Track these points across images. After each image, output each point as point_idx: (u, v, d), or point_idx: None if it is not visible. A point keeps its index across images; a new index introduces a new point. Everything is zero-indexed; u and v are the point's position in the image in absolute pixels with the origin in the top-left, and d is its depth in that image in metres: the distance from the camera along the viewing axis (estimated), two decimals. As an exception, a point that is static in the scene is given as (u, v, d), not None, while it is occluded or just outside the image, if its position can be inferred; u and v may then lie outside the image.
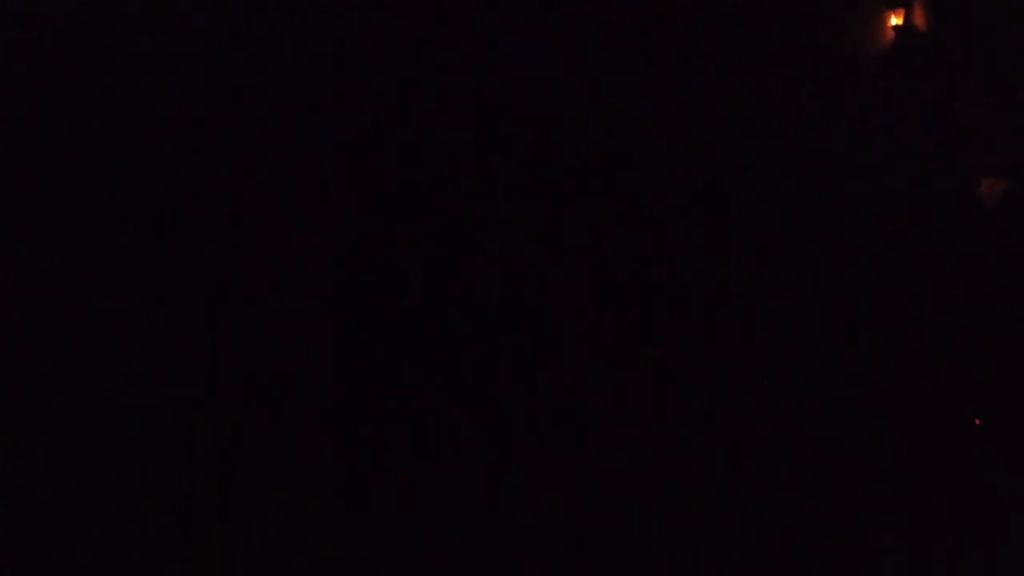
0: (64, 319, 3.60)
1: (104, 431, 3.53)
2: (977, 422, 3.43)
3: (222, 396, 3.74)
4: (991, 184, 3.54)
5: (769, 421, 3.84)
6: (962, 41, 3.85)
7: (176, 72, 3.87)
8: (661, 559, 3.67)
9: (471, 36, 4.21)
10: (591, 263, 4.47)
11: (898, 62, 3.95)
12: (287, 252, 4.06)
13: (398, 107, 4.32)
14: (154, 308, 3.79)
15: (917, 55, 3.84)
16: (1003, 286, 3.63)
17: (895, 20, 4.01)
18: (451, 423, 4.15)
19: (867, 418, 3.67)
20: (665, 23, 3.94)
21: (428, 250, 4.47)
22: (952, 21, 3.77)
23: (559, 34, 4.25)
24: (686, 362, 4.17)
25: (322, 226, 4.12)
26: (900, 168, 3.85)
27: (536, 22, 4.17)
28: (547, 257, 4.53)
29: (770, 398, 3.89)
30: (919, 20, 3.99)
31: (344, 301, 4.15)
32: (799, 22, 3.90)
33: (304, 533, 3.73)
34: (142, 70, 3.84)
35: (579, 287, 4.48)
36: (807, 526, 3.56)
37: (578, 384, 4.26)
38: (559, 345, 4.35)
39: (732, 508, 3.72)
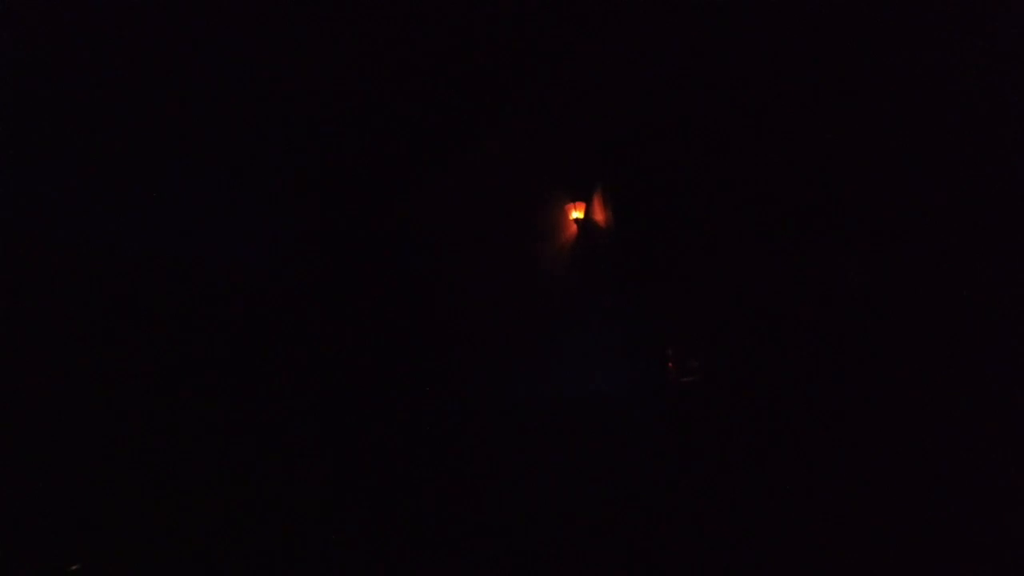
0: (62, 318, 3.58)
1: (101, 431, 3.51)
2: None
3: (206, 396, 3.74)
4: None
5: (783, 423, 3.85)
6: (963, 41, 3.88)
7: (173, 72, 3.86)
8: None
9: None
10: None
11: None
12: (273, 250, 4.06)
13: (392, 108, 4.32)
14: (150, 307, 3.77)
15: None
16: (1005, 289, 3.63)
17: (576, 214, 4.62)
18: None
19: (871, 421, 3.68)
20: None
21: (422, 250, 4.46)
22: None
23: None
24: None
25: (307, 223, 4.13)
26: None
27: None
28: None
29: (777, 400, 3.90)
30: (597, 215, 4.58)
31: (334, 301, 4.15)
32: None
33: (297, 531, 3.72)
34: (141, 69, 3.82)
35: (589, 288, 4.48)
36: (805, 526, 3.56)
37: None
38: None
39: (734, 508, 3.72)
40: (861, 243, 3.81)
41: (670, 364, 4.14)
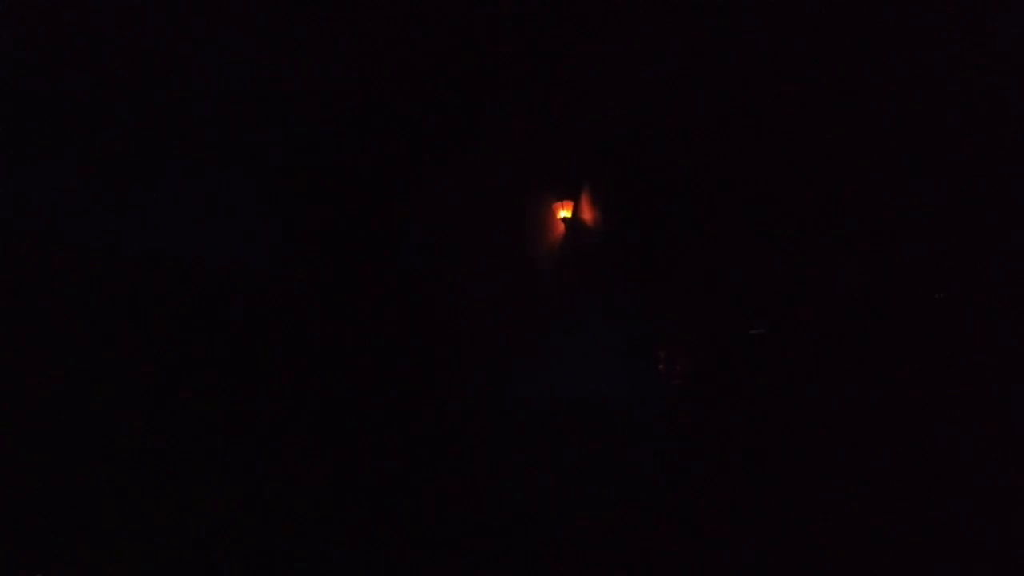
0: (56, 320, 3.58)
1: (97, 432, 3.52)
2: None
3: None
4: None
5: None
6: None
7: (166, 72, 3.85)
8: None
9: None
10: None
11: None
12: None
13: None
14: (150, 307, 3.78)
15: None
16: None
17: (563, 212, 4.63)
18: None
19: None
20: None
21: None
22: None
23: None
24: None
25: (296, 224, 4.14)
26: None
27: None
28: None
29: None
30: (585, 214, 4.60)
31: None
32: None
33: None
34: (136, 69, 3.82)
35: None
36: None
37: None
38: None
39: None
40: (861, 243, 3.81)
41: (661, 367, 4.13)
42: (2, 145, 3.51)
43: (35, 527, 3.28)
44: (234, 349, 3.91)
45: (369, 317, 4.34)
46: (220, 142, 3.98)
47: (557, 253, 4.56)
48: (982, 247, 3.57)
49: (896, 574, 3.38)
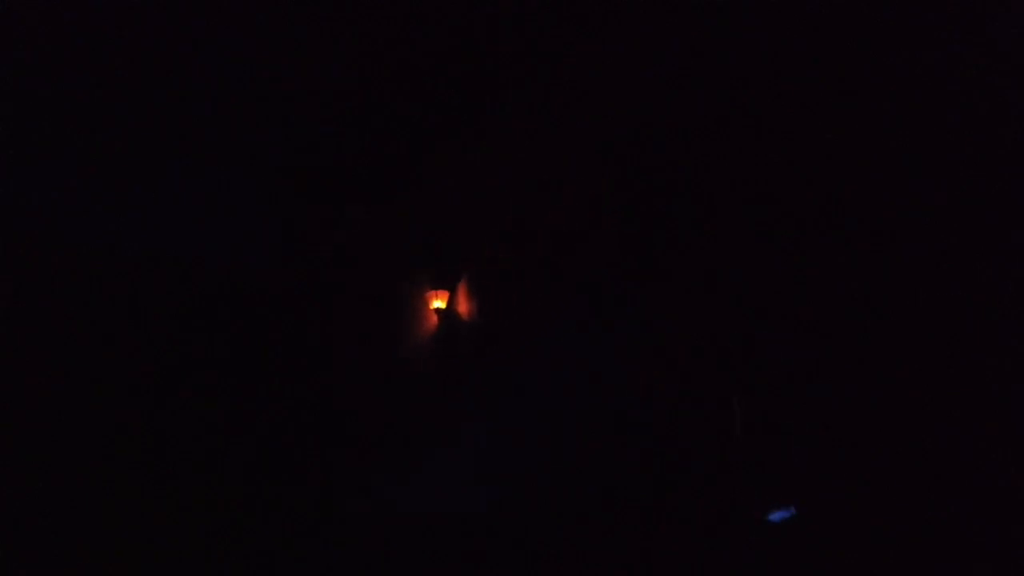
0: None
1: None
2: None
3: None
4: None
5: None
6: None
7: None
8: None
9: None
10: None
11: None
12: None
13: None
14: (150, 307, 3.78)
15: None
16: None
17: (438, 303, 4.43)
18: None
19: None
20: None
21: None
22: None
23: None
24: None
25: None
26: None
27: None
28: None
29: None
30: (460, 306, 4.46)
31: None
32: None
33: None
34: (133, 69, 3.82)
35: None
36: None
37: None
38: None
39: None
40: (861, 243, 3.81)
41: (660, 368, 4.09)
42: (2, 145, 3.51)
43: (35, 527, 3.28)
44: (234, 349, 3.91)
45: (369, 318, 4.34)
46: (220, 142, 3.97)
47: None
48: (982, 247, 3.57)
49: (896, 574, 3.39)
